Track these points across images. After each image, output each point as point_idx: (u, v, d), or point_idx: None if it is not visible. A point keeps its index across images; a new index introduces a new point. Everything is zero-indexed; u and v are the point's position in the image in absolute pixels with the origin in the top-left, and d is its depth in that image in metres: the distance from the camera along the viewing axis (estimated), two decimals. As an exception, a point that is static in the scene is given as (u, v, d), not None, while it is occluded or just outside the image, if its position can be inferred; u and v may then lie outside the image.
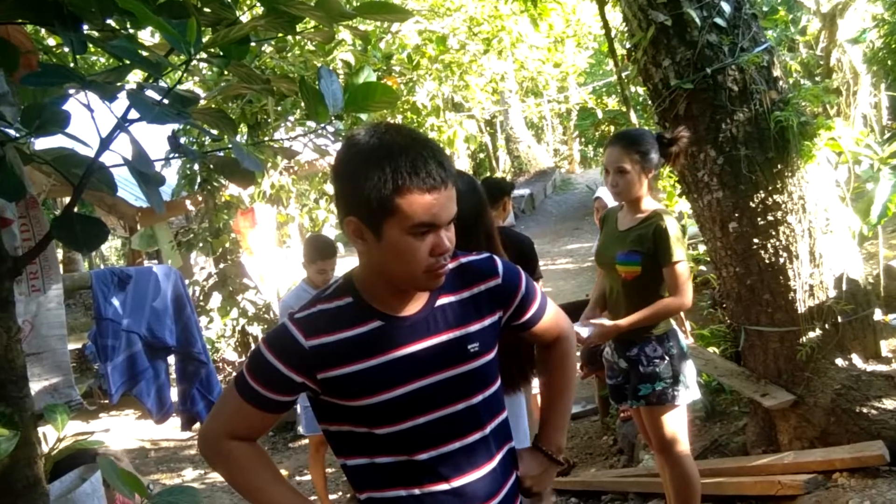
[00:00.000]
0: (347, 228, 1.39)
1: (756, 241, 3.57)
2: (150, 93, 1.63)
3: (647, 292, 2.97)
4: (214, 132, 1.89)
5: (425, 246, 1.35)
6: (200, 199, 7.85)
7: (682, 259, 2.89)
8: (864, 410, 3.38)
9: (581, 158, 24.91)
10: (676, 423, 3.01)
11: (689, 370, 3.04)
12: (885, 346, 3.76)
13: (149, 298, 3.29)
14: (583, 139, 22.82)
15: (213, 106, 4.94)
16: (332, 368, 1.41)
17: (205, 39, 1.54)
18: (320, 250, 4.15)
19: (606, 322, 3.03)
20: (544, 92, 15.47)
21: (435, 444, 1.46)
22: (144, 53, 1.58)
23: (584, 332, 3.06)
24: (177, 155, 1.71)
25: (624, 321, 2.97)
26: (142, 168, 1.36)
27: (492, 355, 1.55)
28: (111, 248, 22.53)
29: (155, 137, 2.99)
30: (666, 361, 2.97)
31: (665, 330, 3.02)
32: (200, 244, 7.98)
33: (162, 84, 1.63)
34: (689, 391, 3.01)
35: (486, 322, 1.54)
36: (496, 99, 13.57)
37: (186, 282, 8.40)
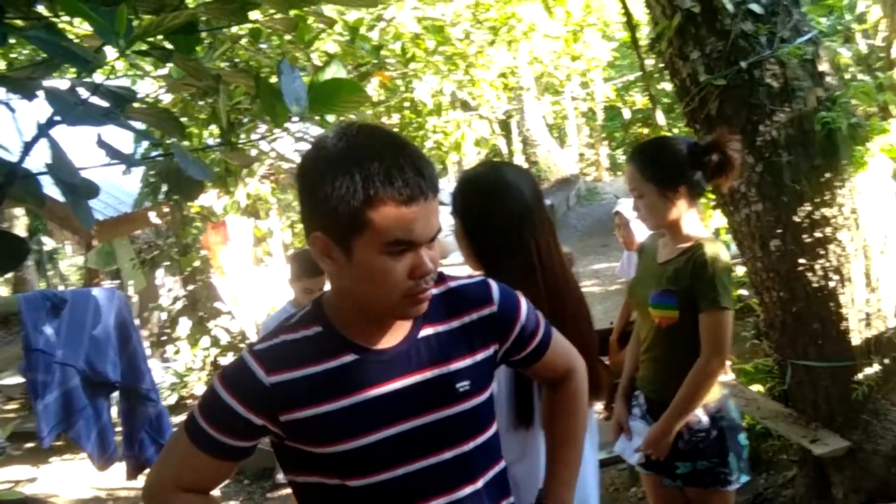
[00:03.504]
0: (314, 246, 1.38)
1: (802, 261, 3.53)
2: (83, 91, 1.62)
3: (689, 343, 2.67)
4: (165, 136, 1.88)
5: (402, 267, 1.33)
6: (167, 210, 7.83)
7: (722, 305, 2.58)
8: (931, 460, 3.34)
9: (610, 164, 24.87)
10: None
11: (740, 446, 2.78)
12: (955, 385, 3.71)
13: (87, 326, 3.24)
14: (611, 142, 22.81)
15: (181, 104, 4.94)
16: (297, 409, 1.38)
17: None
18: (306, 267, 4.13)
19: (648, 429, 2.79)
20: (564, 88, 15.44)
21: (418, 498, 1.44)
22: (75, 45, 1.57)
23: (633, 457, 2.90)
24: (116, 161, 1.69)
25: (672, 422, 2.68)
26: (63, 177, 1.34)
27: (485, 395, 1.52)
28: (72, 267, 22.59)
29: (118, 141, 2.99)
30: (713, 436, 2.71)
31: (714, 397, 2.74)
32: (166, 262, 7.94)
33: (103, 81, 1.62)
34: (739, 473, 2.74)
35: (479, 357, 1.52)
36: (509, 96, 13.58)
37: (150, 306, 8.45)
